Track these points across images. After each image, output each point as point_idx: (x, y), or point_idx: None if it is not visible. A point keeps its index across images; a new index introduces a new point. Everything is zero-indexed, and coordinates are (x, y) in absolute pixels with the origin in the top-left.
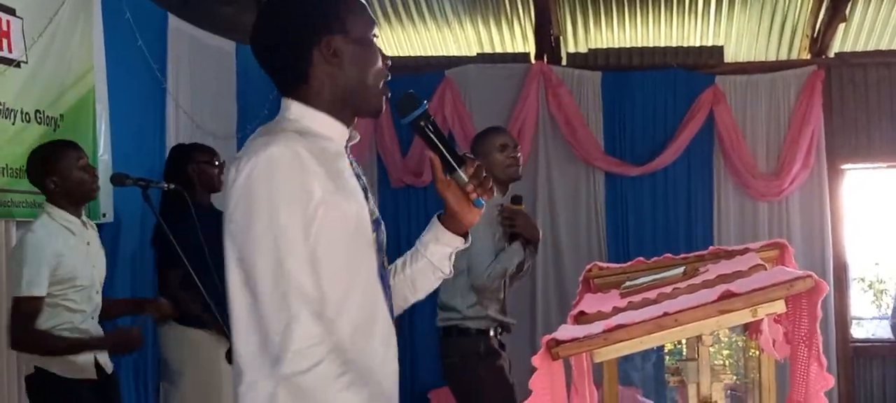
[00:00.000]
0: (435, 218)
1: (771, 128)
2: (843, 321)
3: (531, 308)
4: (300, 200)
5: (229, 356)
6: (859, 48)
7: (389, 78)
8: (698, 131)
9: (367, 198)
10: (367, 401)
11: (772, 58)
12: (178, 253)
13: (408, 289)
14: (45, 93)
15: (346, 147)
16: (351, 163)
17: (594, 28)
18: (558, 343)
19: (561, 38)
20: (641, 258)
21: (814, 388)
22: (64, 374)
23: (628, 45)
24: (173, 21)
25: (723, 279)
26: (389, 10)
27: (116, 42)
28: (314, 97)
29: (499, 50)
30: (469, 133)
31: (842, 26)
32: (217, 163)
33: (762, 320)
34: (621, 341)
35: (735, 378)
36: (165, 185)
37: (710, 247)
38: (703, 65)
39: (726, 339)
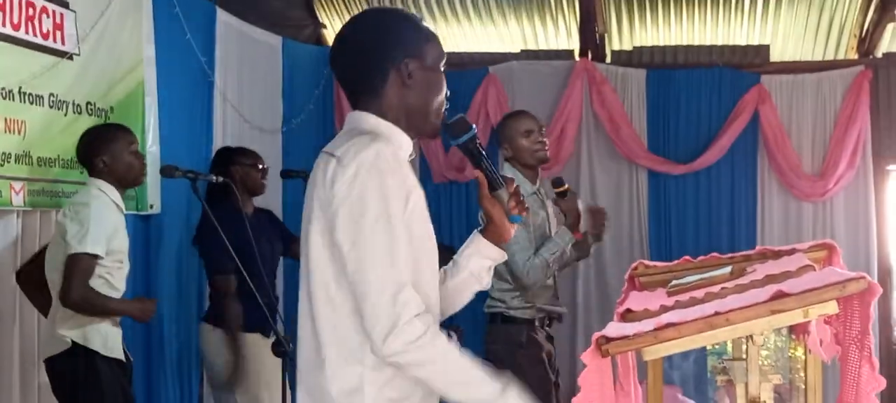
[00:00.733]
0: (476, 233)
1: (816, 128)
2: (886, 323)
3: (572, 305)
4: (402, 197)
5: (275, 348)
6: None
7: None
8: (743, 130)
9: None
10: (477, 365)
11: (818, 57)
12: (225, 245)
13: (446, 301)
14: (96, 86)
15: (409, 160)
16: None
17: (639, 25)
18: (608, 340)
19: (606, 35)
20: (688, 256)
21: (865, 390)
22: (103, 351)
23: (673, 43)
24: (221, 15)
25: (771, 279)
26: (434, 6)
27: (166, 36)
28: (383, 112)
29: (543, 47)
30: None
31: (890, 26)
32: (260, 166)
33: (810, 321)
34: (672, 339)
35: (780, 379)
36: (214, 178)
37: (757, 247)
38: (748, 64)
39: (768, 340)
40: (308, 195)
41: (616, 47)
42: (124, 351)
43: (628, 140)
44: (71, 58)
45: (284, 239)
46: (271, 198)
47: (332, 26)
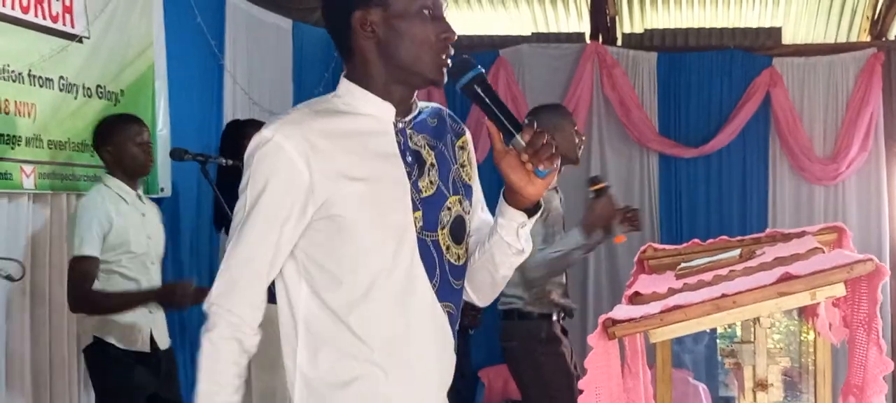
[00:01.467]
0: (501, 193)
1: (828, 110)
2: None
3: (583, 289)
4: (274, 188)
5: None
6: None
7: (451, 50)
8: (754, 114)
9: (417, 173)
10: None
11: (830, 40)
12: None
13: (490, 264)
14: (106, 69)
15: (396, 123)
16: (406, 138)
17: (650, 8)
18: (614, 322)
19: (616, 17)
20: (697, 240)
21: (872, 372)
22: (119, 344)
23: (685, 26)
24: None
25: (780, 262)
26: None
27: (175, 19)
28: (361, 72)
29: (553, 29)
30: (522, 113)
31: None
32: None
33: (819, 303)
34: (678, 322)
35: (789, 362)
36: (223, 161)
37: (767, 230)
38: (760, 46)
39: (779, 323)
40: None
41: (627, 30)
42: (154, 342)
43: (639, 123)
44: (80, 41)
45: None
46: None
47: None
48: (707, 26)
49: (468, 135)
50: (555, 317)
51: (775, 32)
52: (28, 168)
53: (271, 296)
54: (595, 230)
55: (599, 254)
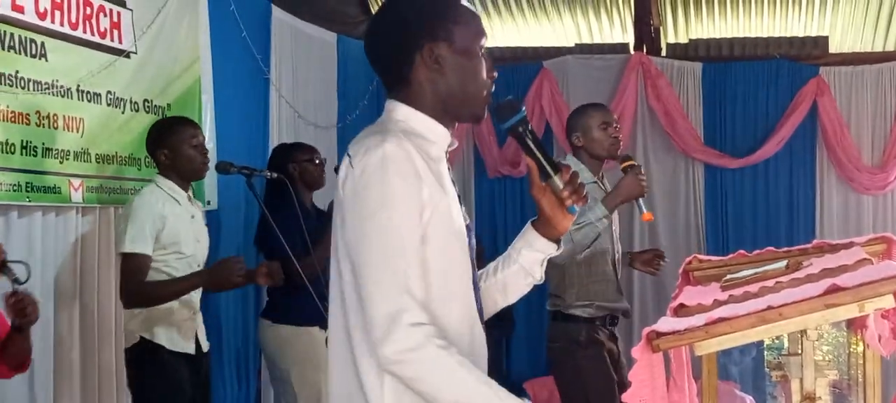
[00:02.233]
0: (528, 225)
1: (877, 120)
2: None
3: (628, 300)
4: (412, 201)
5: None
6: None
7: (494, 89)
8: (801, 123)
9: (460, 202)
10: (480, 378)
11: (878, 49)
12: (281, 242)
13: (499, 293)
14: (153, 83)
15: (445, 152)
16: (449, 168)
17: (695, 18)
18: (659, 335)
19: (661, 28)
20: (743, 251)
21: None
22: (168, 345)
23: (730, 36)
24: (277, 12)
25: (827, 273)
26: (488, 0)
27: (221, 33)
28: (416, 99)
29: (597, 41)
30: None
31: None
32: (317, 160)
33: (868, 315)
34: (723, 334)
35: (838, 374)
36: (269, 174)
37: (814, 241)
38: (806, 55)
39: (827, 334)
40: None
41: (671, 40)
42: (198, 344)
43: (684, 133)
44: (128, 56)
45: None
46: (329, 194)
47: None
48: (752, 35)
49: None
50: (598, 321)
51: (822, 41)
52: (76, 182)
53: (306, 319)
54: (618, 205)
55: None
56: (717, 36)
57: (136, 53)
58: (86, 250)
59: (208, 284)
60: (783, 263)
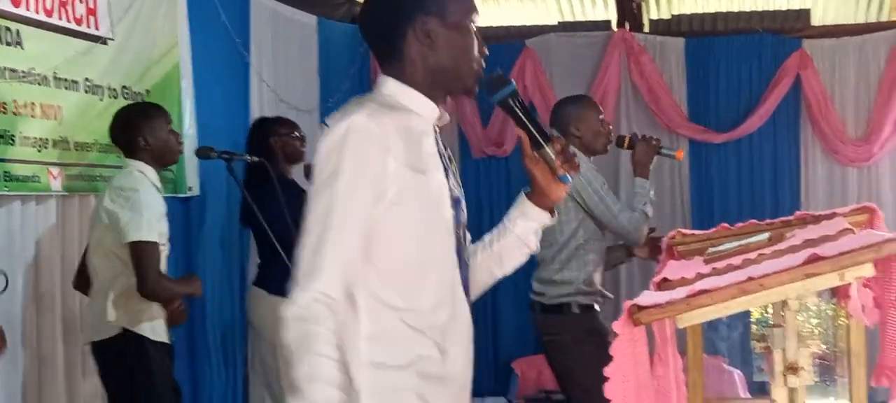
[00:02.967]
0: (522, 194)
1: (860, 92)
2: None
3: (614, 277)
4: (369, 173)
5: None
6: None
7: (484, 64)
8: (785, 96)
9: (448, 176)
10: (332, 381)
11: (861, 20)
12: (262, 224)
13: (495, 265)
14: (131, 70)
15: (434, 126)
16: (437, 142)
17: None
18: (640, 308)
19: (643, 4)
20: (725, 224)
21: None
22: (151, 336)
23: (712, 11)
24: None
25: (809, 244)
26: None
27: (200, 18)
28: (407, 74)
29: (580, 18)
30: (550, 103)
31: None
32: (298, 135)
33: (850, 285)
34: (704, 306)
35: (824, 346)
36: (249, 158)
37: (797, 213)
38: (789, 28)
39: (815, 307)
40: None
41: (654, 16)
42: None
43: (668, 109)
44: (105, 42)
45: None
46: None
47: None
48: (734, 10)
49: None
50: (597, 307)
51: (804, 14)
52: (55, 170)
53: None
54: (647, 170)
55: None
56: (700, 11)
57: (113, 39)
58: (67, 239)
59: (188, 291)
60: (766, 235)
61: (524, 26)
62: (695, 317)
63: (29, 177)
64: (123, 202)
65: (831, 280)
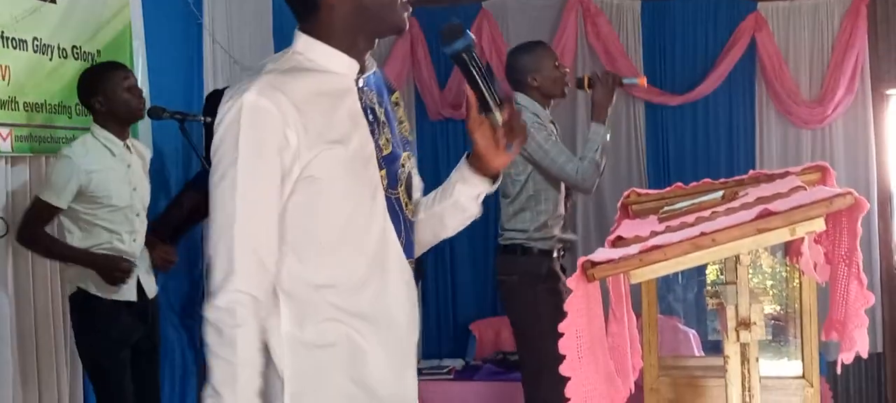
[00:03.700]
0: (464, 159)
1: (814, 54)
2: (887, 249)
3: None
4: (267, 154)
5: None
6: None
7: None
8: (740, 59)
9: (378, 131)
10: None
11: None
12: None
13: (438, 225)
14: (82, 29)
15: (358, 80)
16: (364, 96)
17: None
18: (593, 264)
19: None
20: (680, 184)
21: (854, 306)
22: (101, 294)
23: None
24: None
25: (762, 201)
26: None
27: None
28: (324, 25)
29: None
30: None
31: None
32: None
33: (803, 242)
34: (658, 262)
35: (778, 307)
36: (203, 118)
37: (750, 171)
38: None
39: (770, 269)
40: None
41: None
42: (142, 291)
43: (625, 71)
44: (54, 0)
45: None
46: None
47: None
48: None
49: (398, 92)
50: (555, 254)
51: None
52: (4, 131)
53: None
54: (605, 112)
55: (588, 204)
56: None
57: None
58: (17, 201)
59: (93, 267)
60: (719, 194)
61: None
62: (648, 273)
63: None
64: (52, 162)
65: (783, 235)
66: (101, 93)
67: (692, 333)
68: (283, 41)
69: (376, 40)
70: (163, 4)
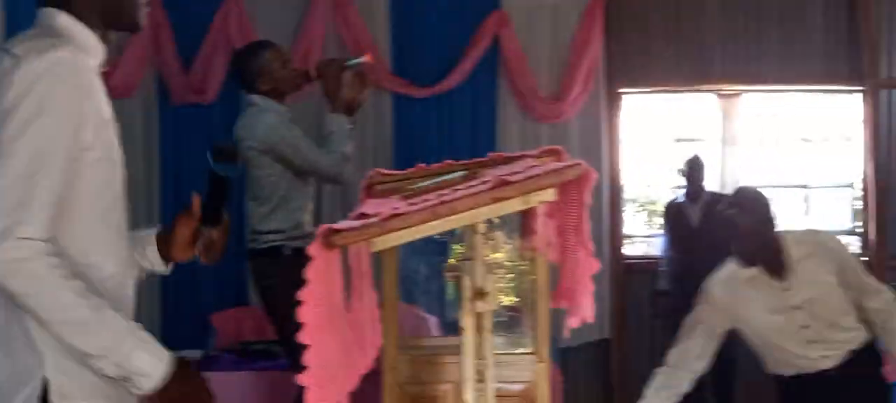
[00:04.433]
0: (154, 232)
1: (553, 52)
2: (617, 239)
3: (318, 222)
4: (73, 114)
5: None
6: None
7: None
8: (484, 55)
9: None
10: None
11: None
12: None
13: (140, 257)
14: None
15: (99, 68)
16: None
17: None
18: (335, 231)
19: None
20: (423, 164)
21: (581, 273)
22: None
23: None
24: None
25: (500, 178)
26: None
27: None
28: (76, 7)
29: None
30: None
31: None
32: None
33: (538, 220)
34: (398, 230)
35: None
36: None
37: (490, 154)
38: None
39: (511, 263)
40: None
41: None
42: None
43: (373, 63)
44: None
45: None
46: None
47: None
48: None
49: None
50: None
51: None
52: None
53: None
54: (341, 104)
55: (334, 195)
56: None
57: None
58: None
59: None
60: (461, 173)
61: None
62: (390, 240)
63: None
64: None
65: (517, 204)
66: None
67: (433, 320)
68: (15, 23)
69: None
70: None
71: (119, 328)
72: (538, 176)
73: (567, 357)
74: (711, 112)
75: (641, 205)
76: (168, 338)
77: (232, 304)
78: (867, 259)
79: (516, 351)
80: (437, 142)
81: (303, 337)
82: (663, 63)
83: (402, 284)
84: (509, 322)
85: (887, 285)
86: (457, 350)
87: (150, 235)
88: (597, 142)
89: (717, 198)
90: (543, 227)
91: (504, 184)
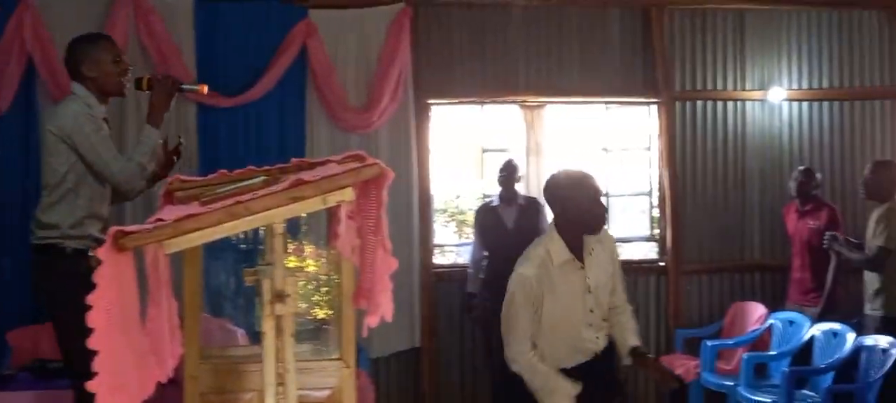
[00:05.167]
0: None
1: (361, 63)
2: (426, 249)
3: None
4: None
5: None
6: None
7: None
8: (292, 64)
9: None
10: None
11: None
12: None
13: None
14: None
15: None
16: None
17: None
18: (125, 233)
19: None
20: (224, 170)
21: (380, 272)
22: None
23: None
24: None
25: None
26: None
27: None
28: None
29: None
30: (51, 62)
31: None
32: None
33: (340, 223)
34: (192, 231)
35: (331, 312)
36: None
37: (293, 160)
38: None
39: (325, 277)
40: None
41: None
42: None
43: (177, 71)
44: None
45: None
46: None
47: None
48: None
49: None
50: (91, 253)
51: None
52: None
53: None
54: (162, 116)
55: (135, 208)
56: None
57: None
58: None
59: None
60: (261, 178)
61: None
62: (183, 243)
63: None
64: None
65: (316, 203)
66: None
67: (240, 332)
68: None
69: None
70: None
71: None
72: (335, 175)
73: (378, 367)
74: (516, 123)
75: (451, 215)
76: None
77: (30, 321)
78: (664, 263)
79: (322, 358)
80: (244, 152)
81: (93, 343)
82: (470, 75)
83: (211, 297)
84: (321, 332)
85: (685, 289)
86: (260, 359)
87: None
88: (406, 152)
89: (531, 201)
90: (346, 230)
91: (301, 183)
